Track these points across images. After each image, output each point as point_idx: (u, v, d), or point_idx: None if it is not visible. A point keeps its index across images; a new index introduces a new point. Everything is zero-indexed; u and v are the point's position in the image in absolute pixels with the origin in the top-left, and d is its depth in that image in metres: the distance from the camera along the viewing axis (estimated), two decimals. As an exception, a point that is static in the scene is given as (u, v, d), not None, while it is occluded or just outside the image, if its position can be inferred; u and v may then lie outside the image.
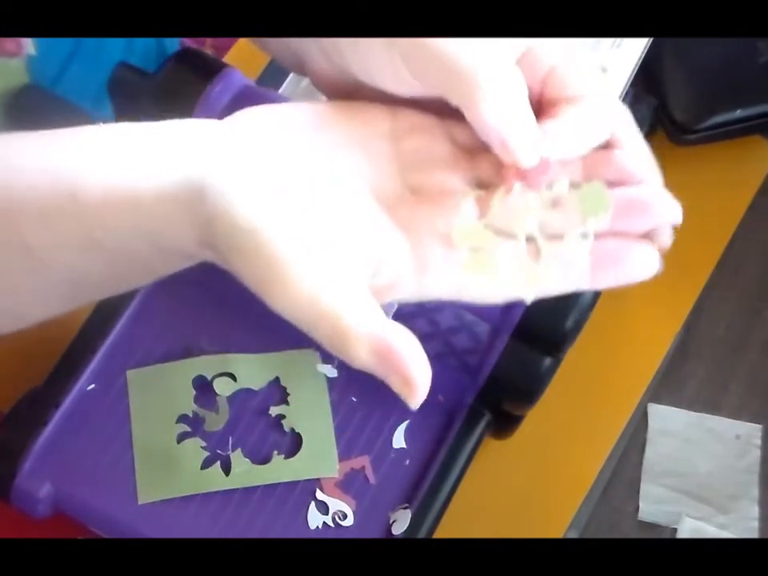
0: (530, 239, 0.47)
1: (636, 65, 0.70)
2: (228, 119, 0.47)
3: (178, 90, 0.61)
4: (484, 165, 0.48)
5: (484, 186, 0.48)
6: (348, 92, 0.50)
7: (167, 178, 0.44)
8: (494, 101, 0.44)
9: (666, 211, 0.47)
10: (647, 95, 0.76)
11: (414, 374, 0.41)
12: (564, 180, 0.47)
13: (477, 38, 0.45)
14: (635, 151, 0.48)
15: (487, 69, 0.45)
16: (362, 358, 0.41)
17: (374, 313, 0.42)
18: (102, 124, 0.47)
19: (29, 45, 0.76)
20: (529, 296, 0.46)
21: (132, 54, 0.79)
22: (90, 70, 0.65)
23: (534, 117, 0.46)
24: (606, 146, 0.48)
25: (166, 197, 0.43)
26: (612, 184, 0.47)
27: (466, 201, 0.47)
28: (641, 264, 0.46)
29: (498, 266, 0.46)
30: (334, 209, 0.44)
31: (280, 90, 0.76)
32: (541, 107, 0.48)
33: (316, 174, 0.45)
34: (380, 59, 0.46)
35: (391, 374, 0.41)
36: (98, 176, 0.44)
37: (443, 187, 0.48)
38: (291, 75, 0.76)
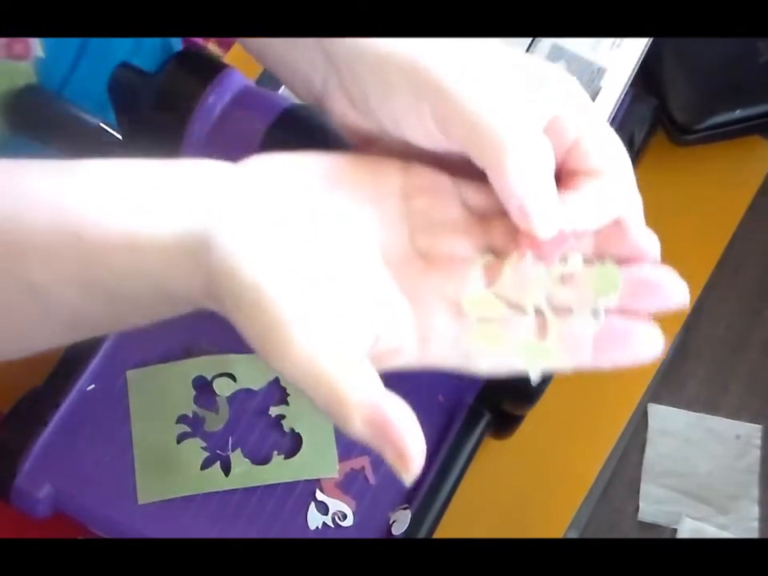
0: (538, 312, 0.46)
1: (636, 65, 0.69)
2: (241, 164, 0.46)
3: (179, 90, 0.61)
4: (496, 231, 0.47)
5: (495, 252, 0.47)
6: (367, 135, 0.49)
7: (173, 225, 0.43)
8: (520, 167, 0.44)
9: (676, 294, 0.46)
10: (647, 95, 0.76)
11: (409, 448, 0.40)
12: (578, 256, 0.46)
13: (510, 101, 0.44)
14: (646, 231, 0.48)
15: (516, 134, 0.44)
16: (357, 427, 0.40)
17: (371, 382, 0.41)
18: (110, 159, 0.46)
19: (37, 47, 0.76)
20: (534, 374, 0.45)
21: (139, 56, 0.79)
22: (97, 73, 0.65)
23: (555, 187, 0.45)
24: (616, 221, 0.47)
25: (170, 244, 0.43)
26: (621, 260, 0.46)
27: (475, 268, 0.46)
28: (646, 345, 0.45)
29: (506, 339, 0.45)
30: (341, 270, 0.44)
31: (280, 91, 0.76)
32: (561, 176, 0.47)
33: (324, 232, 0.44)
34: (408, 109, 0.45)
35: (385, 446, 0.40)
36: (104, 218, 0.43)
37: (452, 253, 0.47)
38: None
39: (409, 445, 0.40)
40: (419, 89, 0.44)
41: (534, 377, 0.45)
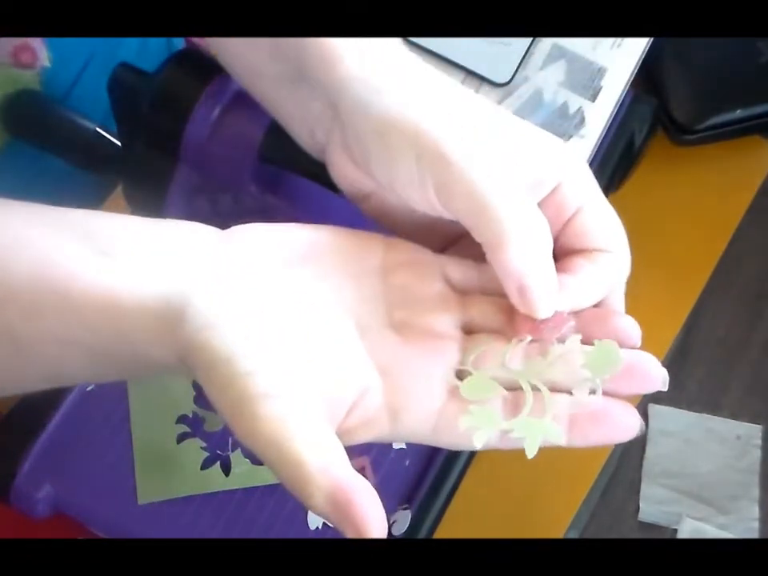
0: (535, 391, 0.45)
1: (636, 65, 0.69)
2: (225, 233, 0.46)
3: (178, 90, 0.61)
4: (475, 308, 0.47)
5: (473, 330, 0.47)
6: (365, 192, 0.49)
7: (151, 290, 0.43)
8: (520, 247, 0.44)
9: (655, 380, 0.46)
10: (648, 95, 0.76)
11: (370, 529, 0.40)
12: (577, 336, 0.46)
13: (509, 173, 0.45)
14: (628, 316, 0.48)
15: (518, 214, 0.44)
16: (319, 506, 0.40)
17: (336, 461, 0.41)
18: (97, 213, 0.46)
19: (44, 56, 0.76)
20: (531, 451, 0.44)
21: (143, 65, 0.79)
22: (101, 83, 0.65)
23: (554, 267, 0.45)
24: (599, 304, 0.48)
25: (147, 310, 0.43)
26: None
27: (473, 354, 0.46)
28: (622, 425, 0.45)
29: (500, 419, 0.45)
30: (314, 344, 0.43)
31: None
32: (556, 249, 0.47)
33: (300, 306, 0.44)
34: (410, 176, 0.45)
35: (346, 525, 0.40)
36: (87, 275, 0.44)
37: (429, 329, 0.46)
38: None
39: (370, 526, 0.40)
40: (422, 156, 0.44)
41: (530, 453, 0.44)
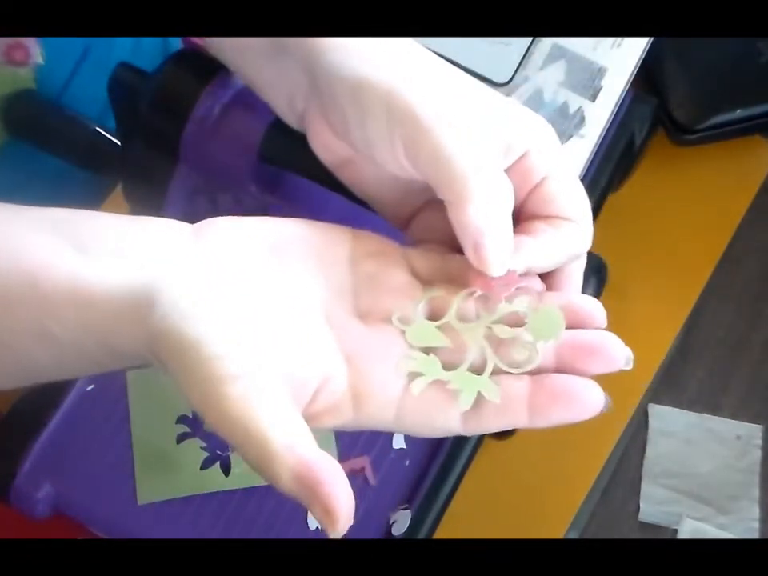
0: (477, 348, 0.46)
1: (636, 64, 0.69)
2: (196, 226, 0.47)
3: (177, 90, 0.61)
4: (438, 295, 0.48)
5: (434, 317, 0.47)
6: (343, 159, 0.51)
7: (120, 280, 0.44)
8: (479, 205, 0.45)
9: (618, 358, 0.46)
10: (648, 95, 0.76)
11: (337, 506, 0.40)
12: (525, 298, 0.46)
13: (478, 136, 0.46)
14: (590, 297, 0.48)
15: (482, 174, 0.45)
16: (284, 482, 0.41)
17: (302, 439, 0.41)
18: (70, 209, 0.47)
19: (37, 54, 0.76)
20: (466, 402, 0.45)
21: (139, 60, 0.79)
22: (96, 81, 0.65)
23: (512, 228, 0.46)
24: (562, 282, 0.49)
25: (116, 299, 0.44)
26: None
27: (422, 300, 0.47)
28: (586, 402, 0.45)
29: (440, 368, 0.45)
30: (281, 330, 0.44)
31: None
32: (520, 217, 0.48)
33: (269, 294, 0.45)
34: (380, 134, 0.46)
35: (313, 503, 0.40)
36: (59, 267, 0.44)
37: (392, 313, 0.47)
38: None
39: (336, 502, 0.40)
40: (393, 114, 0.46)
41: (465, 405, 0.44)
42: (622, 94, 0.68)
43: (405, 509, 0.62)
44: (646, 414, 0.76)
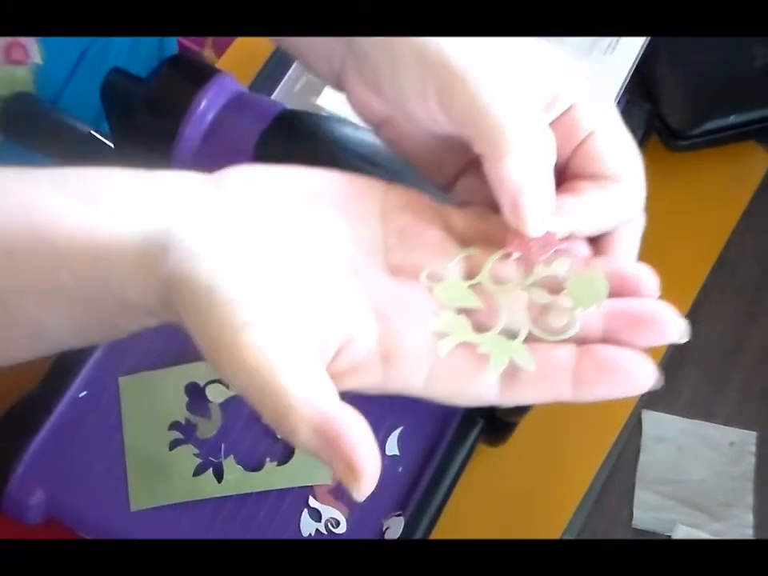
0: (512, 312, 0.43)
1: (630, 70, 0.69)
2: (218, 174, 0.45)
3: (171, 95, 0.61)
4: (472, 254, 0.45)
5: (468, 277, 0.45)
6: (380, 117, 0.49)
7: (134, 226, 0.42)
8: (518, 159, 0.42)
9: (672, 330, 0.42)
10: (641, 101, 0.76)
11: (360, 461, 0.37)
12: (565, 261, 0.44)
13: (519, 86, 0.43)
14: (640, 264, 0.45)
15: (521, 125, 0.42)
16: (303, 437, 0.38)
17: (323, 392, 0.39)
18: (87, 168, 0.45)
19: (35, 53, 0.76)
20: (496, 367, 0.42)
21: (135, 63, 0.79)
22: (94, 81, 0.65)
23: (554, 185, 0.43)
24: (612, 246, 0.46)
25: (130, 247, 0.42)
26: (614, 292, 0.43)
27: (456, 257, 0.44)
28: (635, 377, 0.41)
29: (471, 330, 0.43)
30: (306, 280, 0.42)
31: (272, 96, 0.76)
32: (565, 175, 0.46)
33: (293, 243, 0.43)
34: (413, 87, 0.44)
35: (335, 459, 0.38)
36: (70, 219, 0.43)
37: (425, 268, 0.45)
38: (284, 81, 0.76)
39: (360, 457, 0.38)
40: (425, 65, 0.43)
41: (495, 370, 0.42)
42: (615, 99, 0.68)
43: (398, 515, 0.62)
44: (639, 420, 0.76)
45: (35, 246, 0.43)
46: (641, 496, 0.75)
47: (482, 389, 0.43)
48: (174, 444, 0.63)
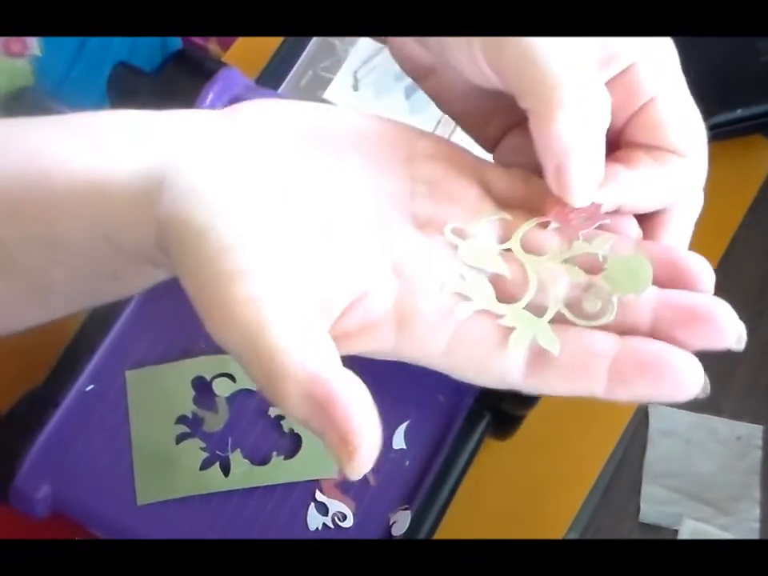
0: (541, 289, 0.39)
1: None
2: (231, 108, 0.42)
3: (177, 89, 0.61)
4: (505, 218, 0.41)
5: (501, 242, 0.41)
6: (423, 68, 0.45)
7: (135, 166, 0.38)
8: (567, 119, 0.38)
9: (728, 332, 0.39)
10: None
11: (356, 431, 0.33)
12: (608, 238, 0.39)
13: (572, 40, 0.39)
14: (695, 254, 0.41)
15: (574, 80, 0.38)
16: (292, 405, 0.34)
17: (320, 354, 0.35)
18: (94, 111, 0.43)
19: (34, 45, 0.76)
20: (517, 345, 0.38)
21: (137, 55, 0.79)
22: (94, 72, 0.65)
23: (604, 153, 0.39)
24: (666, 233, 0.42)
25: (129, 187, 0.38)
26: (663, 282, 0.39)
27: (488, 218, 0.41)
28: (682, 380, 0.37)
29: (492, 298, 0.39)
30: (316, 228, 0.38)
31: (279, 89, 0.76)
32: (620, 141, 0.42)
33: (305, 187, 0.39)
34: (456, 39, 0.40)
35: (327, 429, 0.33)
36: (72, 164, 0.39)
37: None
38: (290, 75, 0.76)
39: (355, 428, 0.33)
40: None
41: (515, 346, 0.38)
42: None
43: (405, 509, 0.62)
44: (646, 414, 0.76)
45: (35, 195, 0.40)
46: (648, 490, 0.74)
47: (506, 367, 0.38)
48: (180, 438, 0.63)
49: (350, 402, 0.34)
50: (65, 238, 0.40)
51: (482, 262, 0.40)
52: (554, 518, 0.72)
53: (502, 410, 0.65)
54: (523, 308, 0.39)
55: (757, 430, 0.76)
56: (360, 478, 0.34)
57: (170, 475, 0.62)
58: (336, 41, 0.75)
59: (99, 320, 0.65)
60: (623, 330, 0.38)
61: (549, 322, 0.39)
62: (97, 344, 0.64)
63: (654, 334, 0.38)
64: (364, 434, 0.34)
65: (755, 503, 0.74)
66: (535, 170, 0.41)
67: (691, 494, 0.74)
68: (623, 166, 0.41)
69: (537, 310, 0.39)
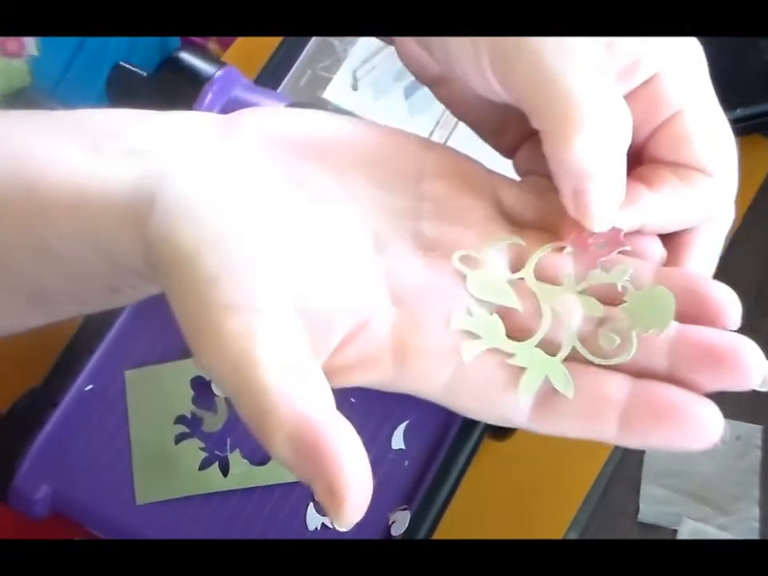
0: (555, 322, 0.36)
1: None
2: (233, 115, 0.40)
3: (176, 89, 0.61)
4: (518, 243, 0.38)
5: (513, 269, 0.38)
6: (432, 75, 0.43)
7: (125, 178, 0.36)
8: (587, 139, 0.35)
9: (755, 377, 0.36)
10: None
11: (342, 484, 0.31)
12: (628, 268, 0.37)
13: (588, 47, 0.36)
14: (722, 285, 0.38)
15: (591, 97, 0.35)
16: (278, 447, 0.32)
17: (310, 393, 0.33)
18: (96, 110, 0.42)
19: (31, 45, 0.76)
20: (527, 390, 0.35)
21: (135, 55, 0.79)
22: (92, 72, 0.65)
23: (625, 173, 0.37)
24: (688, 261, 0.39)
25: (118, 199, 0.36)
26: (686, 316, 0.36)
27: (497, 244, 0.38)
28: (699, 428, 0.34)
29: (503, 335, 0.36)
30: (312, 253, 0.36)
31: (278, 89, 0.76)
32: (642, 156, 0.39)
33: (301, 209, 0.37)
34: (464, 48, 0.38)
35: (314, 478, 0.32)
36: (61, 170, 0.37)
37: (463, 248, 0.38)
38: (289, 75, 0.76)
39: (343, 478, 0.31)
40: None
41: (526, 390, 0.36)
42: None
43: (404, 509, 0.62)
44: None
45: (22, 201, 0.38)
46: (647, 490, 0.74)
47: (510, 410, 0.37)
48: (179, 438, 0.63)
49: (338, 450, 0.32)
50: (54, 246, 0.38)
51: (491, 294, 0.37)
52: (553, 517, 0.72)
53: (501, 410, 0.65)
54: (535, 345, 0.36)
55: (756, 429, 0.76)
56: (348, 529, 0.32)
57: (169, 475, 0.62)
58: (335, 40, 0.75)
59: (98, 319, 0.65)
60: (637, 369, 0.36)
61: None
62: (96, 343, 0.64)
63: (671, 373, 0.36)
64: (352, 485, 0.32)
65: (754, 503, 0.74)
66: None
67: (690, 493, 0.74)
68: (646, 186, 0.38)
69: (549, 345, 0.36)
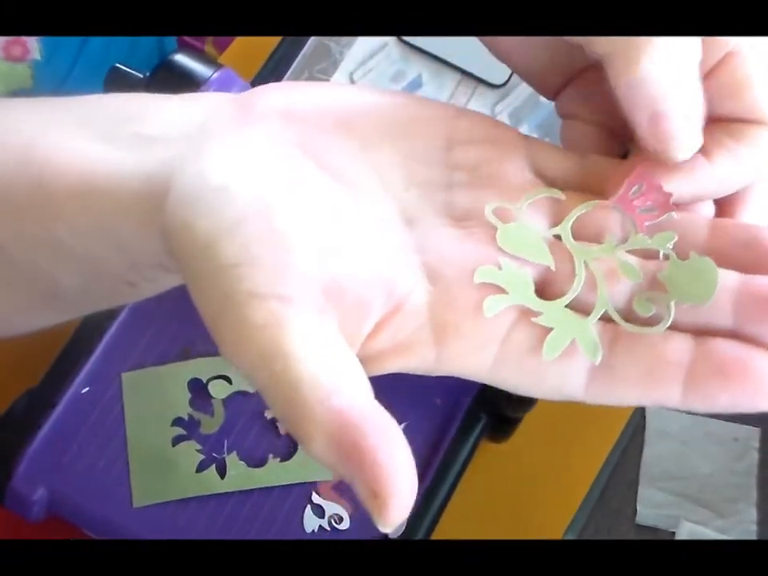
0: (583, 303, 0.34)
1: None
2: (246, 95, 0.37)
3: (173, 92, 0.61)
4: (557, 196, 0.36)
5: (554, 225, 0.36)
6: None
7: (138, 165, 0.35)
8: (659, 58, 0.32)
9: None
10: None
11: (386, 484, 0.29)
12: (671, 234, 0.34)
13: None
14: None
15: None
16: (317, 449, 0.30)
17: (347, 386, 0.30)
18: (109, 94, 0.40)
19: (34, 49, 0.76)
20: (552, 350, 0.33)
21: (135, 58, 0.79)
22: (94, 76, 0.65)
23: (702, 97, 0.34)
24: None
25: (131, 189, 0.35)
26: (741, 266, 0.34)
27: (534, 193, 0.36)
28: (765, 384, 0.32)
29: (529, 292, 0.34)
30: (336, 232, 0.33)
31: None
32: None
33: (324, 185, 0.35)
34: None
35: (356, 479, 0.29)
36: (71, 159, 0.36)
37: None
38: (286, 77, 0.76)
39: (386, 477, 0.29)
40: None
41: (549, 353, 0.33)
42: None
43: (401, 512, 0.62)
44: (643, 416, 0.76)
45: (33, 195, 0.37)
46: (645, 492, 0.74)
47: (564, 378, 0.34)
48: (176, 440, 0.63)
49: (380, 448, 0.30)
50: (67, 240, 0.37)
51: (523, 250, 0.35)
52: (551, 520, 0.72)
53: (498, 413, 0.65)
54: (566, 306, 0.34)
55: (754, 431, 0.76)
56: (395, 530, 0.31)
57: (166, 477, 0.62)
58: (332, 43, 0.75)
59: (96, 322, 0.65)
60: (699, 326, 0.34)
61: (599, 324, 0.34)
62: (93, 346, 0.64)
63: (736, 329, 0.33)
64: (396, 485, 0.29)
65: (752, 505, 0.74)
66: (603, 122, 0.38)
67: (688, 496, 0.74)
68: (701, 155, 0.35)
69: (582, 307, 0.34)
